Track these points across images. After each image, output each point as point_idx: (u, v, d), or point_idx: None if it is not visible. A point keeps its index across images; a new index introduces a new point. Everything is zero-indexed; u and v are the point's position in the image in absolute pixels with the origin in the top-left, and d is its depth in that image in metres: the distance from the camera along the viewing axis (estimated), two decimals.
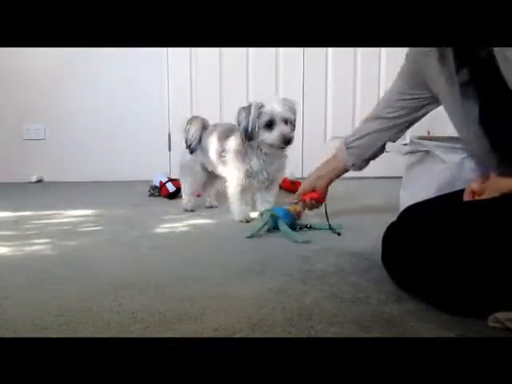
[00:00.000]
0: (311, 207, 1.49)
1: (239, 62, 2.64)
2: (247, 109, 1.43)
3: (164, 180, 2.09)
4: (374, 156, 1.42)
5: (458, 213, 0.87)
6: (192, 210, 1.76)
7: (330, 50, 2.66)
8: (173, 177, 2.17)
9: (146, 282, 0.98)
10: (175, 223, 1.57)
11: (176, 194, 2.06)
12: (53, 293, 0.93)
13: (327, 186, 1.49)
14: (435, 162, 1.27)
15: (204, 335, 0.74)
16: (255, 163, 1.52)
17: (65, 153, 2.67)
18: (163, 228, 1.51)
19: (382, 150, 1.39)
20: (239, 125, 1.46)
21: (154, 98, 2.65)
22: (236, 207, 1.58)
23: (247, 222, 1.56)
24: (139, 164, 2.66)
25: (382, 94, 2.65)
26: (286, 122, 1.44)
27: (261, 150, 1.49)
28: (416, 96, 1.21)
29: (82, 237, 1.38)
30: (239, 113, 1.46)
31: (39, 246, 1.28)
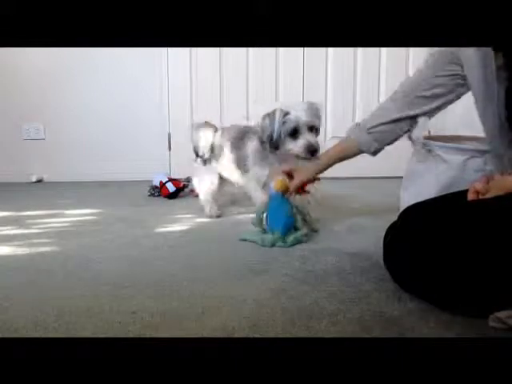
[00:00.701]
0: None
1: (239, 61, 2.64)
2: (271, 115, 1.37)
3: (164, 180, 2.09)
4: (395, 140, 1.32)
5: (458, 213, 0.87)
6: (218, 216, 1.63)
7: (330, 49, 2.66)
8: (173, 177, 2.17)
9: (146, 282, 0.98)
10: (175, 223, 1.57)
11: (176, 194, 2.06)
12: (53, 293, 0.93)
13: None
14: (437, 162, 1.27)
15: (204, 335, 0.74)
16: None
17: (65, 153, 2.67)
18: (163, 228, 1.51)
19: (403, 133, 1.30)
20: (263, 132, 1.39)
21: (153, 98, 2.65)
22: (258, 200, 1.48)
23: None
24: (139, 164, 2.66)
25: (382, 94, 2.68)
26: (311, 129, 1.37)
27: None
28: (453, 72, 1.13)
29: (82, 237, 1.38)
30: (263, 119, 1.39)
31: (39, 245, 1.28)
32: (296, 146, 1.36)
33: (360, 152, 1.35)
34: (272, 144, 1.38)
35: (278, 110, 1.36)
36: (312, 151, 1.35)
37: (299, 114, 1.35)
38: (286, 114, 1.35)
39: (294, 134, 1.35)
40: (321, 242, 1.30)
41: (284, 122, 1.35)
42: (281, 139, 1.36)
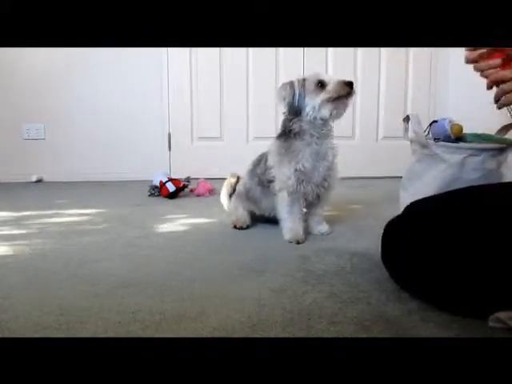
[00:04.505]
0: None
1: (239, 62, 2.65)
2: (290, 83, 1.27)
3: (164, 180, 2.09)
4: None
5: (458, 211, 0.87)
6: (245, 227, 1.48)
7: (330, 49, 2.67)
8: (173, 177, 2.17)
9: (146, 281, 0.98)
10: (175, 223, 1.57)
11: (176, 194, 2.06)
12: (53, 293, 0.93)
13: None
14: (436, 161, 1.27)
15: (204, 335, 0.74)
16: (307, 157, 1.27)
17: (65, 153, 2.68)
18: (163, 228, 1.51)
19: None
20: (283, 101, 1.28)
21: (153, 98, 2.66)
22: (287, 224, 1.33)
23: (298, 243, 1.29)
24: (139, 164, 2.66)
25: (382, 94, 2.68)
26: None
27: (311, 135, 1.27)
28: None
29: (82, 237, 1.38)
30: (283, 88, 1.28)
31: (39, 245, 1.28)
32: (326, 91, 1.23)
33: None
34: (294, 110, 1.26)
35: (295, 79, 1.28)
36: (348, 83, 1.20)
37: (319, 72, 1.26)
38: (304, 80, 1.26)
39: (321, 86, 1.24)
40: (321, 241, 1.30)
41: (304, 82, 1.25)
42: (303, 102, 1.25)
